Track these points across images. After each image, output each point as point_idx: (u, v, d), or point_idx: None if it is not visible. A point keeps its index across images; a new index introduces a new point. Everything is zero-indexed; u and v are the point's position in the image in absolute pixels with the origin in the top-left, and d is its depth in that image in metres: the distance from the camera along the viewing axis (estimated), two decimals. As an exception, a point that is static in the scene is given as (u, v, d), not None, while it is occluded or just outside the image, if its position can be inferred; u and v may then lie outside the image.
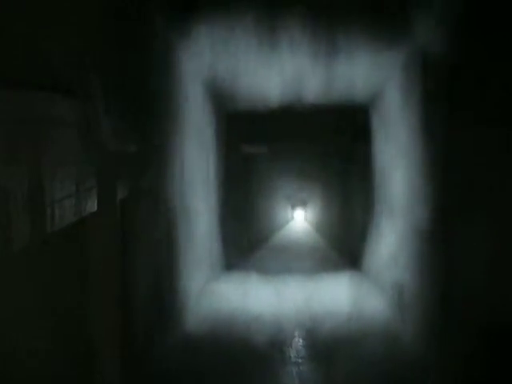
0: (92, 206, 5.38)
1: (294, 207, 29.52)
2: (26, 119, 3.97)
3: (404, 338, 8.59)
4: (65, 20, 4.68)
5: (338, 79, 10.53)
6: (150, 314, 7.24)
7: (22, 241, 3.92)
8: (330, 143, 15.18)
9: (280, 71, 10.04)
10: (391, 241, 10.63)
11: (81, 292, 5.20)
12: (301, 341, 8.62)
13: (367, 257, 13.07)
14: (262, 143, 14.90)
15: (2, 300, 3.77)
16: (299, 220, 28.38)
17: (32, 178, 4.05)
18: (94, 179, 5.40)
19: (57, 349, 4.64)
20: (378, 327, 9.03)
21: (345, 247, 17.46)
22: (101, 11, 5.51)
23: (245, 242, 16.38)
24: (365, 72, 10.21)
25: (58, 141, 4.50)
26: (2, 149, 3.64)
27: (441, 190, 7.54)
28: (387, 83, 10.60)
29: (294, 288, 11.67)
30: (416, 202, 8.81)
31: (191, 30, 7.93)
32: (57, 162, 4.50)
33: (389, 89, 10.62)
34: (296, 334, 8.88)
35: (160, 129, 7.90)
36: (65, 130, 4.63)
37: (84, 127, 4.90)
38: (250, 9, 7.46)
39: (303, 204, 28.40)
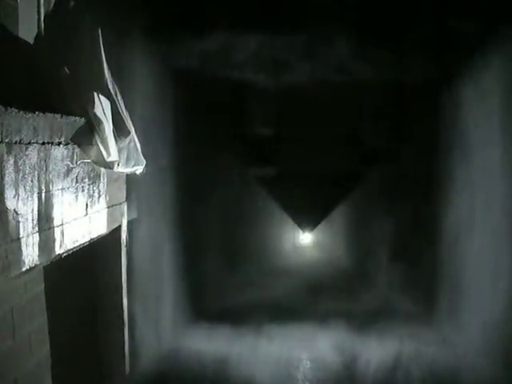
0: (101, 227, 5.42)
1: (302, 231, 29.36)
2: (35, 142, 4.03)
3: None
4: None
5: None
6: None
7: (32, 262, 3.95)
8: (340, 166, 15.08)
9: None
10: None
11: (88, 313, 5.22)
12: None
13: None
14: (270, 166, 14.83)
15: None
16: (307, 244, 28.24)
17: (42, 200, 4.11)
18: (104, 201, 5.45)
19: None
20: None
21: (357, 274, 17.21)
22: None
23: (250, 271, 16.26)
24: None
25: (67, 163, 4.56)
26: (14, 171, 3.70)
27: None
28: None
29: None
30: None
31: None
32: (66, 183, 4.55)
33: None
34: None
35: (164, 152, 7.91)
36: (74, 153, 4.69)
37: (93, 150, 4.96)
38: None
39: (311, 228, 28.26)
